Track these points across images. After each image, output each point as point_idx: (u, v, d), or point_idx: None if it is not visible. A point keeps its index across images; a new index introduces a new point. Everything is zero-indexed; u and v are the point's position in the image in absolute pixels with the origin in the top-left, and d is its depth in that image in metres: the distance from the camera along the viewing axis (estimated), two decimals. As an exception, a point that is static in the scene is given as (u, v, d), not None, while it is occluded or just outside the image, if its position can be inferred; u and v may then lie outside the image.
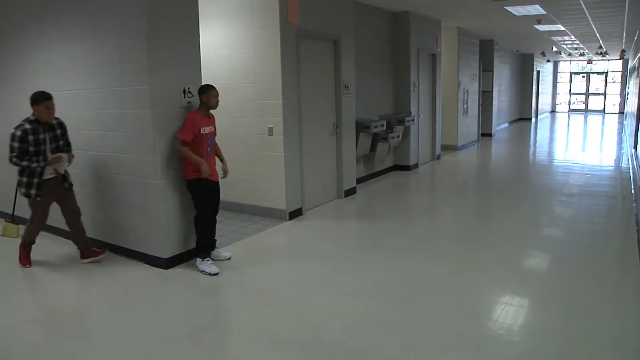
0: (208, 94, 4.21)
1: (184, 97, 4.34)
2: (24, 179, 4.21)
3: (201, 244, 4.30)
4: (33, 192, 4.22)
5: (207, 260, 4.26)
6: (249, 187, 6.04)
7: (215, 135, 4.40)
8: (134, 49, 4.15)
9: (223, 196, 4.60)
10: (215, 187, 4.41)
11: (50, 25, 4.90)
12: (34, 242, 4.53)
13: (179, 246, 4.42)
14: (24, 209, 5.57)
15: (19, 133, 4.06)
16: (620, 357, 2.89)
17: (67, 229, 4.58)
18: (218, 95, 4.27)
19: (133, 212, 4.44)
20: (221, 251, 4.59)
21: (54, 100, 4.19)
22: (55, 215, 5.39)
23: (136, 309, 3.67)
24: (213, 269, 4.19)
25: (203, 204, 4.28)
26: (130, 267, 4.39)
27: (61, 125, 4.35)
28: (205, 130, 4.21)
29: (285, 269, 4.47)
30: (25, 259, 4.48)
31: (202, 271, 4.21)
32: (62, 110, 4.94)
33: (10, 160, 4.10)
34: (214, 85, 4.28)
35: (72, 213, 4.47)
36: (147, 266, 4.35)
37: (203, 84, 4.33)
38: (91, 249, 4.53)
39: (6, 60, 5.57)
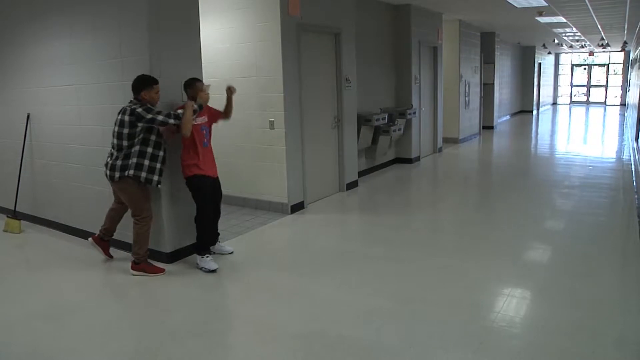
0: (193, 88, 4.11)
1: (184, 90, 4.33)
2: (146, 162, 3.88)
3: (201, 242, 4.25)
4: (156, 177, 3.92)
5: (207, 256, 4.23)
6: (250, 180, 6.03)
7: (209, 126, 4.32)
8: (135, 42, 4.14)
9: (224, 190, 4.59)
10: (214, 183, 4.37)
11: (51, 19, 4.88)
12: (147, 251, 4.11)
13: (181, 241, 4.42)
14: (25, 205, 5.60)
15: (142, 108, 3.78)
16: (623, 350, 2.89)
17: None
18: (201, 89, 4.09)
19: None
20: (223, 245, 4.59)
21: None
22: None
23: (138, 304, 3.68)
24: (212, 265, 4.17)
25: (204, 202, 4.21)
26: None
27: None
28: (197, 121, 4.09)
29: (287, 262, 4.48)
30: (153, 267, 4.12)
31: (201, 268, 4.19)
32: (63, 105, 4.95)
33: (169, 117, 3.82)
34: (200, 79, 4.15)
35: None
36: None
37: (192, 77, 4.17)
38: (106, 244, 4.43)
39: (6, 54, 5.56)
